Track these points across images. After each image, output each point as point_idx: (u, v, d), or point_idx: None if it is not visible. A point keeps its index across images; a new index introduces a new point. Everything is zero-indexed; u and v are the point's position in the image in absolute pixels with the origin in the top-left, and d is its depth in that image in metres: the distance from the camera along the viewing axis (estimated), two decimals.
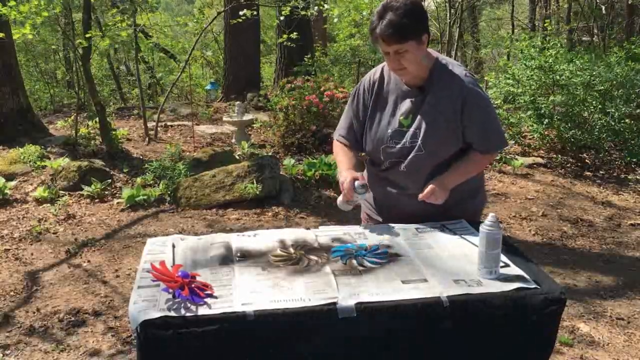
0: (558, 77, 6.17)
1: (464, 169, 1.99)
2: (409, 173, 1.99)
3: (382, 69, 2.06)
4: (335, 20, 7.62)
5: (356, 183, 1.94)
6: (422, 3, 1.94)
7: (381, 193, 2.11)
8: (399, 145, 1.99)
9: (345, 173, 1.99)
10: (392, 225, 1.98)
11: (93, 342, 2.85)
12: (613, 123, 6.01)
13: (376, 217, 2.18)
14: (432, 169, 1.96)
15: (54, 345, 2.82)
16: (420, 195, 1.91)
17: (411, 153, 1.96)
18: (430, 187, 1.91)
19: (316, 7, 6.99)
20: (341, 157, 2.12)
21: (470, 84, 1.92)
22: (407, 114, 1.98)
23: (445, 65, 1.96)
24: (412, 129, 1.96)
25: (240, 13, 6.85)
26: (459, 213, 2.03)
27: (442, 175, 1.95)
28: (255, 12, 6.89)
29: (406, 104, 1.98)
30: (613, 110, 5.98)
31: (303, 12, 6.99)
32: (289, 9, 6.89)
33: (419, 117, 1.95)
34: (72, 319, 3.07)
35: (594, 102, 6.01)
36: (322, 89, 6.52)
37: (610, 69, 6.19)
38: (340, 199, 2.04)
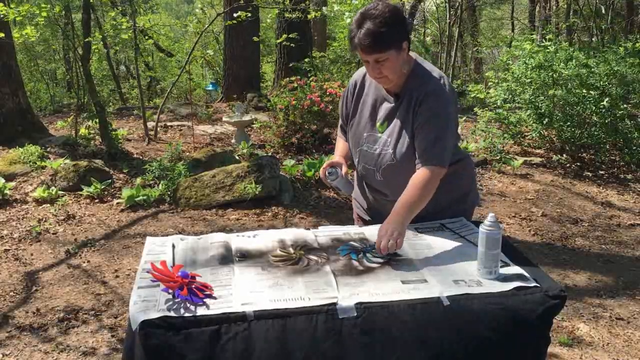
0: (557, 76, 6.16)
1: (407, 199, 1.80)
2: (386, 182, 1.97)
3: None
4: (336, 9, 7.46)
5: (328, 169, 2.06)
6: (402, 9, 1.90)
7: (368, 197, 2.12)
8: (371, 151, 1.98)
9: (333, 159, 2.10)
10: None
11: (93, 342, 2.85)
12: (615, 122, 5.99)
13: (365, 217, 2.19)
14: (408, 177, 1.86)
15: (53, 345, 2.82)
16: (381, 249, 1.71)
17: (384, 162, 1.95)
18: (382, 241, 1.70)
19: (307, 11, 7.00)
20: (337, 145, 2.21)
21: (433, 90, 1.85)
22: (383, 120, 1.97)
23: (422, 70, 1.91)
24: (384, 136, 1.95)
25: (235, 15, 6.81)
26: (450, 216, 2.02)
27: (389, 217, 1.78)
28: (250, 14, 6.83)
29: (383, 109, 1.97)
30: (617, 109, 5.96)
31: (288, 15, 6.98)
32: (276, 11, 6.89)
33: (392, 124, 1.94)
34: (72, 319, 3.07)
35: (592, 100, 5.98)
36: (325, 87, 6.52)
37: (610, 65, 6.14)
38: None
